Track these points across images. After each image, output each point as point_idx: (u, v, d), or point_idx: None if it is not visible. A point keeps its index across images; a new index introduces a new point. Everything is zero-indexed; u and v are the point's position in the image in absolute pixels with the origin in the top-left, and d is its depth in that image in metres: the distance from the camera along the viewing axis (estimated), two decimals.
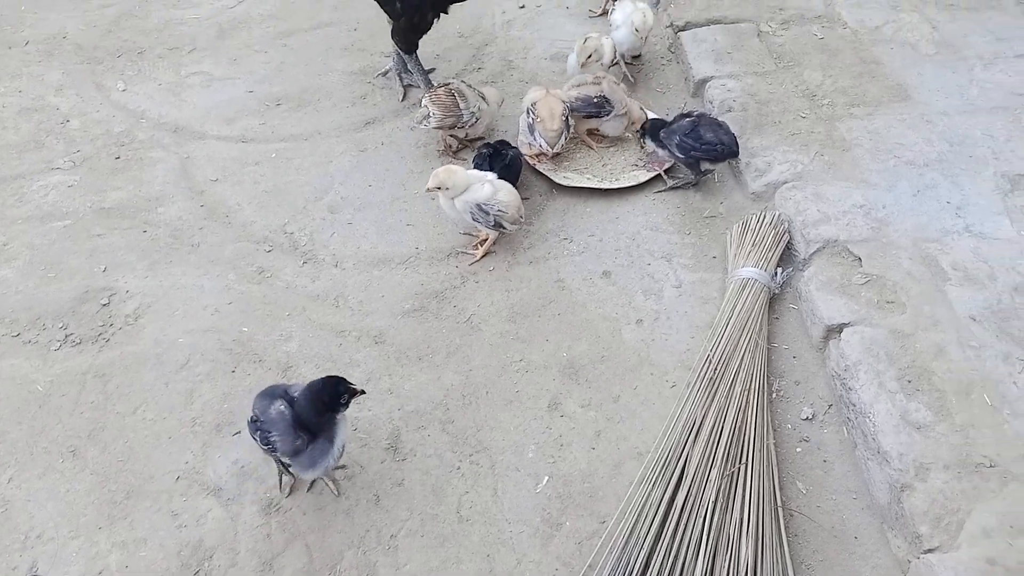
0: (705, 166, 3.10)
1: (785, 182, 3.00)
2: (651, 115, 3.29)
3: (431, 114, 3.18)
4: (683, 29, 3.80)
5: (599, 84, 3.17)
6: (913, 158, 3.05)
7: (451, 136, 3.33)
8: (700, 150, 3.01)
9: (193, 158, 3.37)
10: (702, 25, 3.79)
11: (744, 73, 3.51)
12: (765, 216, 2.85)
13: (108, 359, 2.61)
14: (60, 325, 2.70)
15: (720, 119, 3.14)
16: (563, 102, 3.16)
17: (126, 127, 3.50)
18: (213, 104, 3.64)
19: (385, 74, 3.74)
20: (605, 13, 4.13)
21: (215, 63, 3.88)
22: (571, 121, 3.18)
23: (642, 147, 3.27)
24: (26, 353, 2.62)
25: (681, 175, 3.18)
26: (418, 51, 3.53)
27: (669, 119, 3.17)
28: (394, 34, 3.48)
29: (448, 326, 2.73)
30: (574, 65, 3.46)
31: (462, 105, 3.19)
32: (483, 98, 3.26)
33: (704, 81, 3.52)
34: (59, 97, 3.66)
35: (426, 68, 3.74)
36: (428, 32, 3.45)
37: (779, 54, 3.61)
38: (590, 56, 3.36)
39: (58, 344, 2.65)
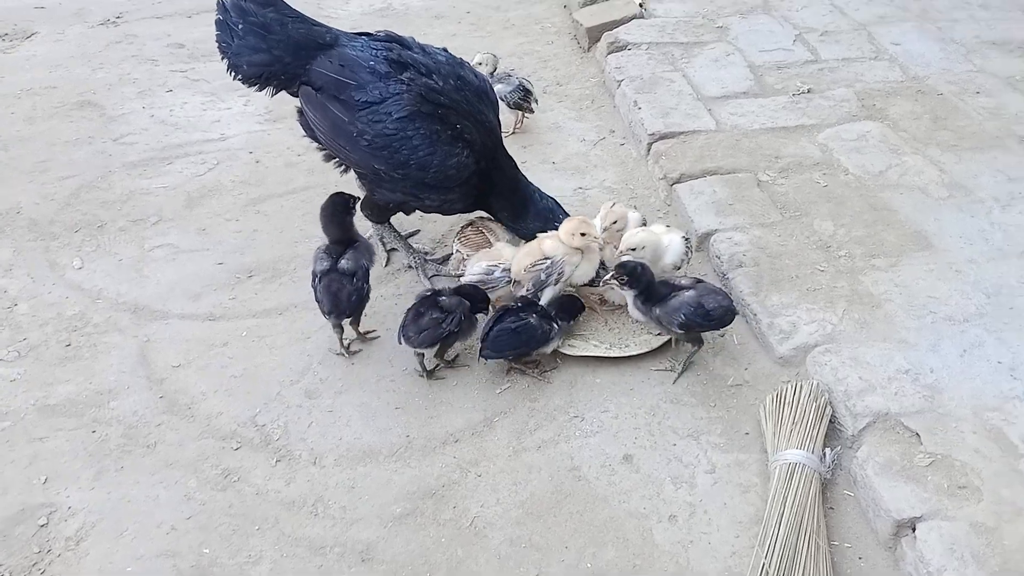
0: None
1: (816, 345, 2.71)
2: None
3: (465, 256, 3.01)
4: (678, 181, 3.62)
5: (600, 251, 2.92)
6: (951, 313, 2.79)
7: None
8: (709, 324, 2.69)
9: (153, 341, 3.02)
10: (697, 177, 3.62)
11: (750, 225, 3.30)
12: (802, 387, 2.53)
13: None
14: None
15: (709, 283, 2.79)
16: None
17: (80, 309, 3.16)
18: (178, 279, 3.34)
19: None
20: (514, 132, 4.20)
21: (182, 234, 3.60)
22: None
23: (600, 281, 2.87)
24: None
25: (682, 351, 2.87)
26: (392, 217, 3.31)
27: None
28: (364, 205, 3.24)
29: (448, 533, 2.33)
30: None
31: (492, 240, 3.02)
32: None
33: (708, 235, 3.30)
34: (7, 278, 3.33)
35: (410, 231, 3.50)
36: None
37: (783, 204, 3.42)
38: (615, 222, 2.98)
39: None
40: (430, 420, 2.68)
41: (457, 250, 3.07)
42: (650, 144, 3.91)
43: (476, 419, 2.68)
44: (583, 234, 2.79)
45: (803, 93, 4.22)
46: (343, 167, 3.14)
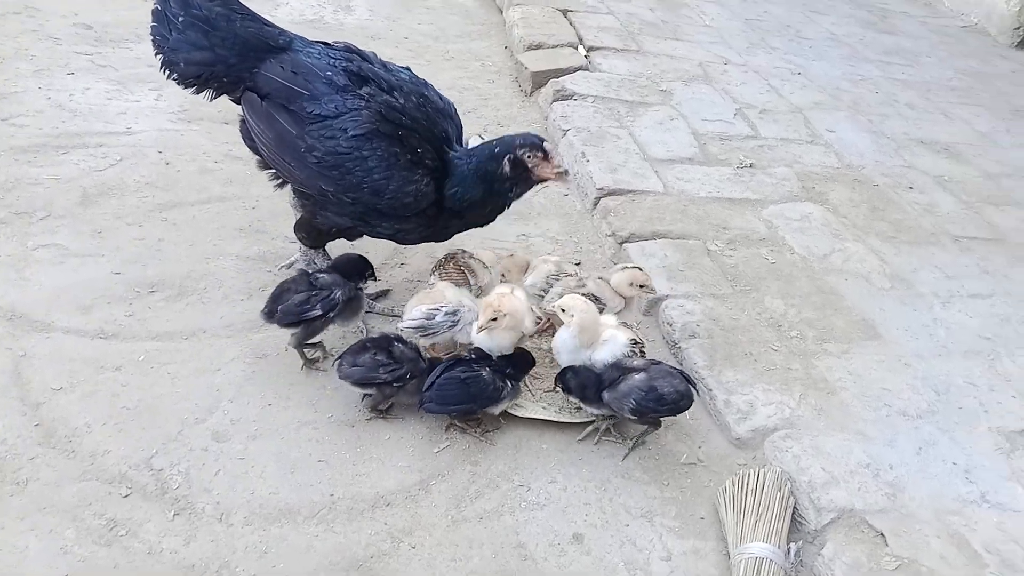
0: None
1: (775, 429, 2.59)
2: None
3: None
4: (627, 241, 3.48)
5: (583, 285, 2.74)
6: (904, 407, 2.74)
7: None
8: (663, 409, 2.46)
9: (31, 357, 2.57)
10: (647, 238, 3.49)
11: (701, 295, 3.19)
12: (765, 475, 2.38)
13: None
14: None
15: (663, 365, 2.54)
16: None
17: None
18: (66, 286, 2.89)
19: (290, 266, 3.14)
20: None
21: (73, 235, 3.15)
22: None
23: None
24: None
25: (630, 432, 2.64)
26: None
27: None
28: (299, 227, 2.93)
29: None
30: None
31: (472, 281, 2.80)
32: (487, 268, 2.89)
33: (658, 300, 3.16)
34: None
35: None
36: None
37: (734, 276, 3.33)
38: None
39: None
40: (358, 478, 2.37)
41: (432, 283, 2.81)
42: (598, 198, 3.77)
43: (410, 480, 2.39)
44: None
45: (746, 167, 4.22)
46: (280, 181, 2.82)
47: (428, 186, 2.59)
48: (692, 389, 2.51)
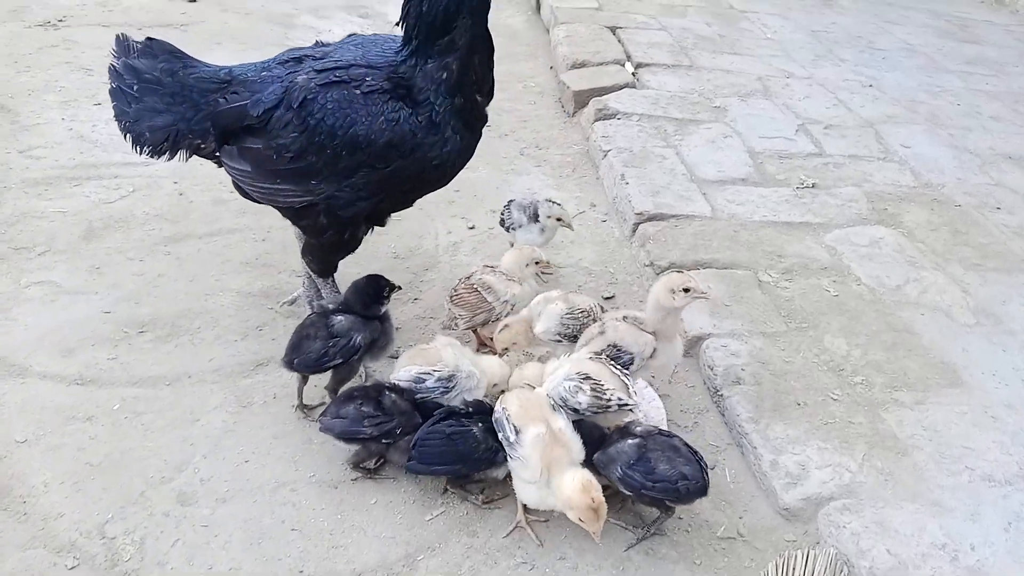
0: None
1: (831, 498, 2.18)
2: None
3: (457, 316, 2.67)
4: (666, 271, 3.10)
5: (604, 334, 2.36)
6: (991, 471, 2.29)
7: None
8: (654, 489, 2.03)
9: (0, 405, 2.37)
10: (689, 268, 3.11)
11: (749, 333, 2.79)
12: (816, 557, 1.97)
13: None
14: None
15: (675, 439, 2.13)
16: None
17: None
18: (52, 327, 2.70)
19: (293, 301, 2.90)
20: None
21: (70, 271, 2.98)
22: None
23: None
24: None
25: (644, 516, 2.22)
26: (336, 273, 2.73)
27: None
28: (306, 251, 2.67)
29: None
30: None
31: (491, 298, 2.59)
32: (511, 280, 2.68)
33: (699, 339, 2.78)
34: None
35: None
36: (355, 251, 2.66)
37: (788, 311, 2.92)
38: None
39: None
40: (334, 551, 2.06)
41: (449, 310, 2.68)
42: (636, 224, 3.42)
43: (394, 555, 2.06)
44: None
45: (807, 187, 3.79)
46: (296, 220, 2.60)
47: (398, 110, 2.30)
48: (704, 475, 2.06)
